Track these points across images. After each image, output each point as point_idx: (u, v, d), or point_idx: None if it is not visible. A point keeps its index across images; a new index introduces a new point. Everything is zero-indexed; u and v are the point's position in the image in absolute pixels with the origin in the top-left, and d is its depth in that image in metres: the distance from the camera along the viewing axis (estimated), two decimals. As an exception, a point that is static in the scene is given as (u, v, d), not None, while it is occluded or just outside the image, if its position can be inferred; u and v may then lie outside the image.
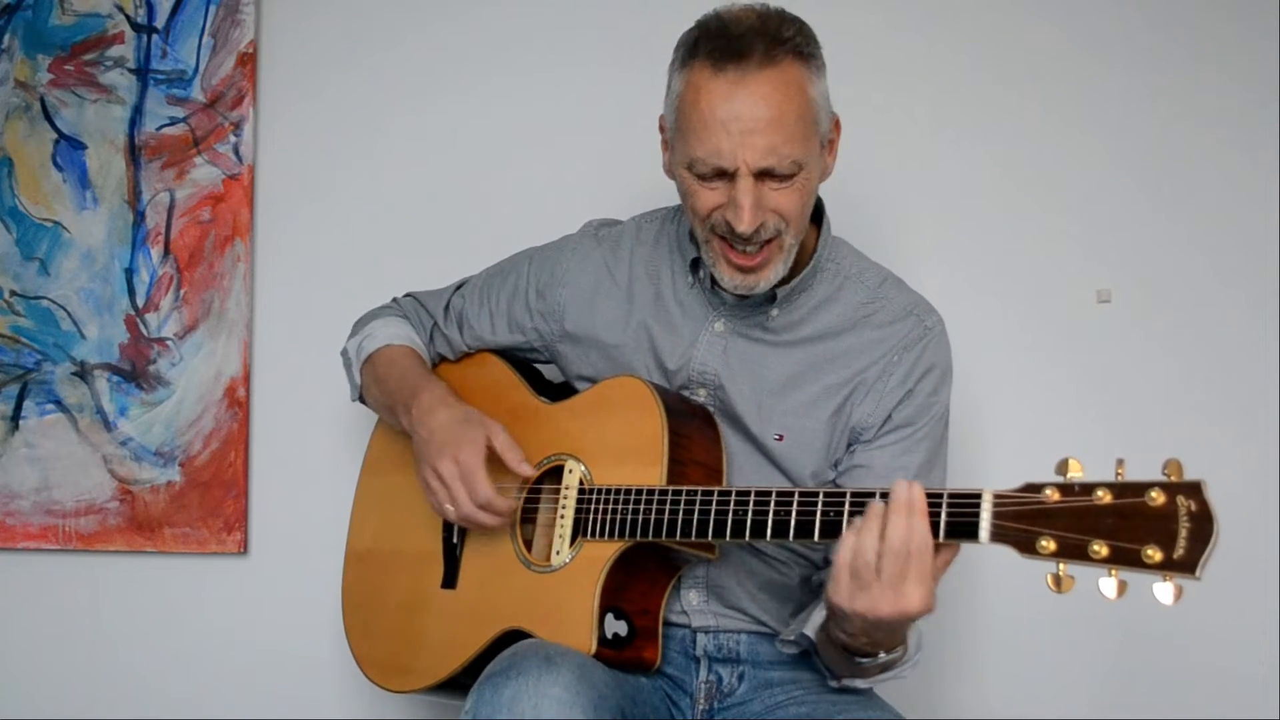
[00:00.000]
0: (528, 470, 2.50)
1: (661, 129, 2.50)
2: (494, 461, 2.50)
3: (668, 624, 2.52)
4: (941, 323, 2.57)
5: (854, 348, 2.53)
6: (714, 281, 2.55)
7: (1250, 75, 3.16)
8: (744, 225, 2.31)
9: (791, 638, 2.43)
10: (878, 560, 2.05)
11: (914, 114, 3.24)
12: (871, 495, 2.13)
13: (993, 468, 3.07)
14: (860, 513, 2.12)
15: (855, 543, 2.08)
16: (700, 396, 2.57)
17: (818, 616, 2.36)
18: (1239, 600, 2.98)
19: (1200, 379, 3.14)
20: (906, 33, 3.25)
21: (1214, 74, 3.17)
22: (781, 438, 2.51)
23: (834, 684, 2.42)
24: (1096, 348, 3.16)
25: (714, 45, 2.30)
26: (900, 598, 2.05)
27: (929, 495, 2.06)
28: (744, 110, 2.26)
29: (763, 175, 2.30)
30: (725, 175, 2.32)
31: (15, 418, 3.35)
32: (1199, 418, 3.12)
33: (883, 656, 2.25)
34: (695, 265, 2.58)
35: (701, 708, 2.55)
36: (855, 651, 2.25)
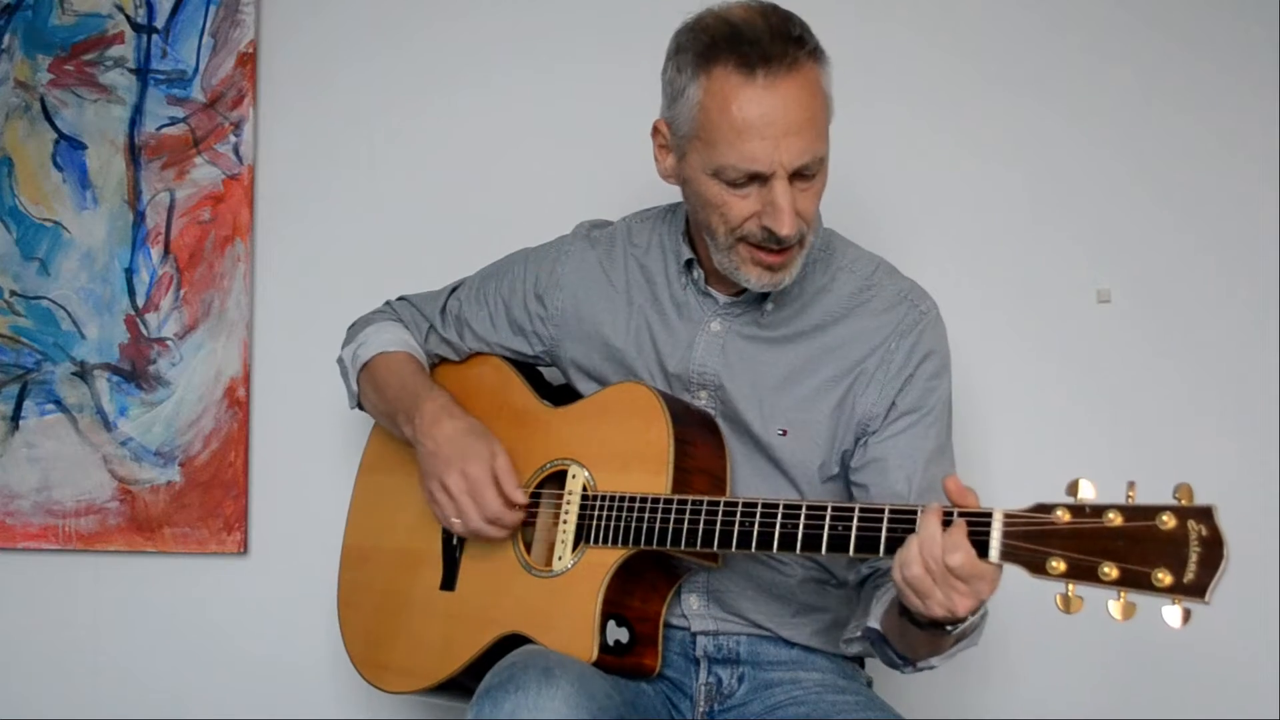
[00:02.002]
0: (520, 498, 2.51)
1: (658, 134, 2.48)
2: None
3: (667, 626, 2.53)
4: (936, 308, 2.57)
5: (850, 337, 2.53)
6: (706, 280, 2.57)
7: (1250, 75, 3.17)
8: (787, 229, 2.31)
9: (857, 634, 2.41)
10: (925, 573, 2.05)
11: (914, 115, 3.24)
12: (880, 512, 2.14)
13: (992, 469, 3.08)
14: (868, 527, 2.14)
15: (902, 558, 2.08)
16: (701, 398, 2.57)
17: (878, 608, 2.36)
18: (1239, 602, 2.97)
19: (1200, 379, 3.15)
20: (907, 33, 3.25)
21: (1214, 74, 3.18)
22: (785, 433, 2.51)
23: (910, 671, 2.38)
24: (1096, 348, 3.17)
25: (737, 50, 2.28)
26: (965, 596, 2.06)
27: (941, 513, 2.07)
28: (778, 113, 2.26)
29: (793, 176, 2.30)
30: (758, 179, 2.31)
31: (15, 418, 3.35)
32: (1199, 417, 3.13)
33: (968, 618, 2.17)
34: (689, 265, 2.58)
35: (701, 709, 2.56)
36: (940, 622, 2.17)
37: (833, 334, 2.54)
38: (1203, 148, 3.17)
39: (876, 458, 2.50)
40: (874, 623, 2.36)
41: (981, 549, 2.01)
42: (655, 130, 2.48)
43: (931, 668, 2.37)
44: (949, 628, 2.16)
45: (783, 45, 2.28)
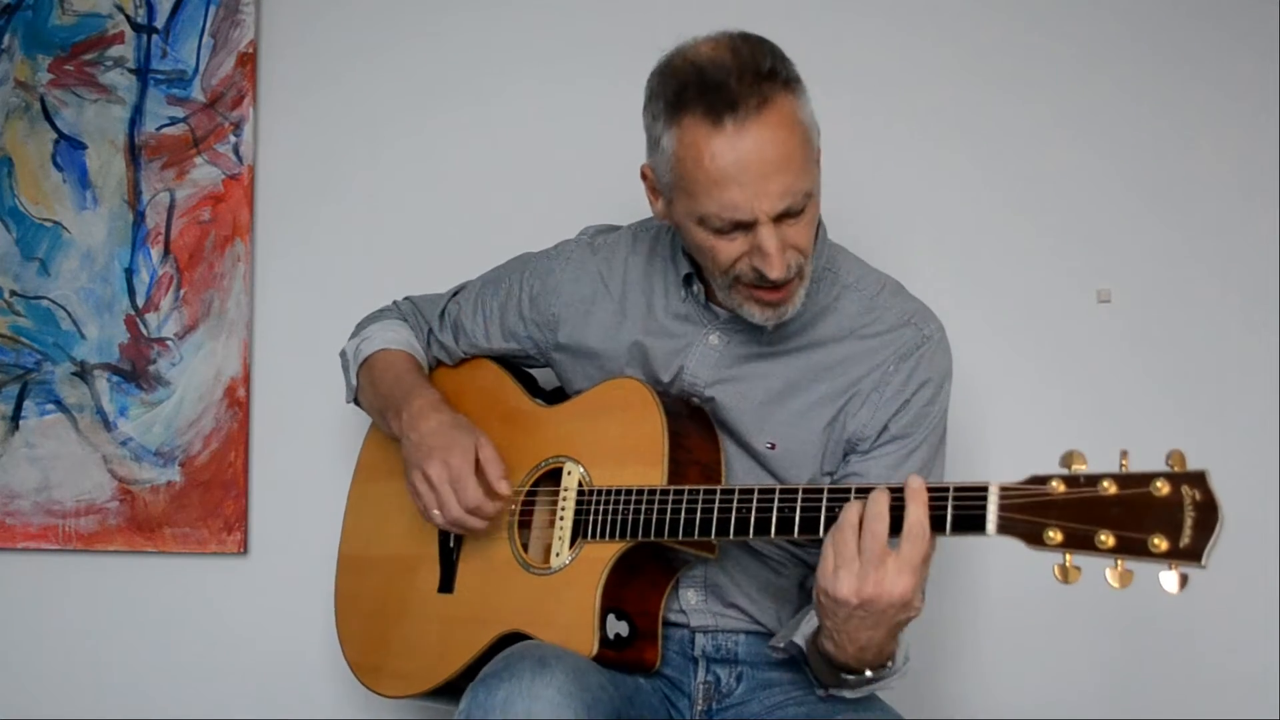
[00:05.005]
0: (504, 488, 2.49)
1: (646, 177, 2.45)
2: (479, 472, 2.51)
3: (666, 624, 2.52)
4: (941, 330, 2.55)
5: (850, 357, 2.52)
6: (708, 296, 2.55)
7: (1249, 75, 3.17)
8: (776, 272, 2.28)
9: (781, 644, 2.44)
10: (857, 538, 2.07)
11: (913, 117, 3.24)
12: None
13: (993, 467, 3.04)
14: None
15: (840, 519, 2.10)
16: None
17: (807, 626, 2.36)
18: (1239, 599, 2.99)
19: (1200, 378, 3.15)
20: (906, 36, 3.26)
21: (1213, 74, 3.18)
22: (774, 445, 2.51)
23: (820, 693, 2.41)
24: (1097, 347, 3.17)
25: (704, 98, 2.23)
26: (882, 581, 2.07)
27: (936, 489, 2.07)
28: (752, 159, 2.21)
29: (780, 216, 2.27)
30: (742, 226, 2.28)
31: (15, 418, 3.35)
32: (1199, 417, 3.13)
33: (868, 674, 2.23)
34: (688, 280, 2.57)
35: (700, 708, 2.55)
36: (841, 667, 2.24)
37: (832, 352, 2.53)
38: (1202, 147, 3.17)
39: (855, 473, 2.50)
40: (799, 639, 2.39)
41: (979, 522, 2.01)
42: (643, 175, 2.45)
43: (844, 699, 2.39)
44: (845, 676, 2.24)
45: (751, 85, 2.22)
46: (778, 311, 2.40)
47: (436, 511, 2.51)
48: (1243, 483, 2.95)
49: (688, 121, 2.25)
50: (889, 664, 2.26)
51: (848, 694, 2.35)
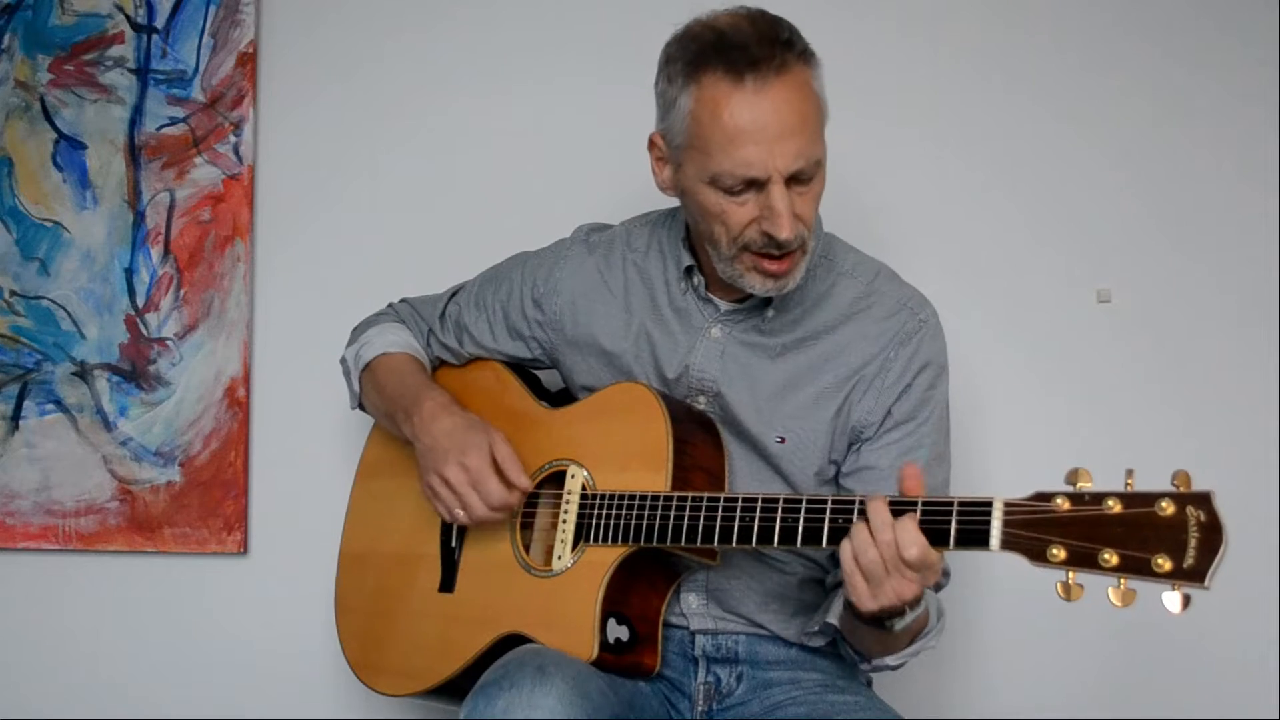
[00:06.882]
0: (525, 483, 2.50)
1: (654, 146, 2.47)
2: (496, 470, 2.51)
3: (666, 625, 2.52)
4: (935, 315, 2.57)
5: (850, 344, 2.52)
6: (707, 287, 2.56)
7: (1249, 75, 3.16)
8: (786, 232, 2.30)
9: (815, 628, 2.47)
10: (881, 558, 2.08)
11: (913, 116, 3.24)
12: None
13: (993, 467, 3.07)
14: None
15: (854, 546, 2.10)
16: (700, 403, 2.56)
17: (838, 604, 2.38)
18: (1239, 601, 2.98)
19: (1200, 378, 3.14)
20: (907, 35, 3.25)
21: (1213, 74, 3.17)
22: (783, 440, 2.51)
23: (865, 667, 2.45)
24: (1096, 347, 3.16)
25: (724, 57, 2.27)
26: (913, 583, 2.10)
27: (940, 503, 2.08)
28: (770, 118, 2.25)
29: (790, 180, 2.29)
30: (754, 186, 2.30)
31: (15, 418, 3.35)
32: (1198, 417, 3.13)
33: (908, 613, 2.20)
34: (689, 272, 2.57)
35: (700, 709, 2.55)
36: (882, 615, 2.20)
37: (832, 341, 2.53)
38: (1202, 147, 3.17)
39: (869, 465, 2.51)
40: (833, 618, 2.41)
41: (982, 537, 2.01)
42: (651, 143, 2.47)
43: (889, 667, 2.43)
44: (888, 623, 2.21)
45: (770, 49, 2.27)
46: (779, 283, 2.41)
47: (460, 512, 2.51)
48: (1243, 482, 2.99)
49: (707, 79, 2.29)
50: (924, 611, 2.29)
51: (892, 661, 2.39)
